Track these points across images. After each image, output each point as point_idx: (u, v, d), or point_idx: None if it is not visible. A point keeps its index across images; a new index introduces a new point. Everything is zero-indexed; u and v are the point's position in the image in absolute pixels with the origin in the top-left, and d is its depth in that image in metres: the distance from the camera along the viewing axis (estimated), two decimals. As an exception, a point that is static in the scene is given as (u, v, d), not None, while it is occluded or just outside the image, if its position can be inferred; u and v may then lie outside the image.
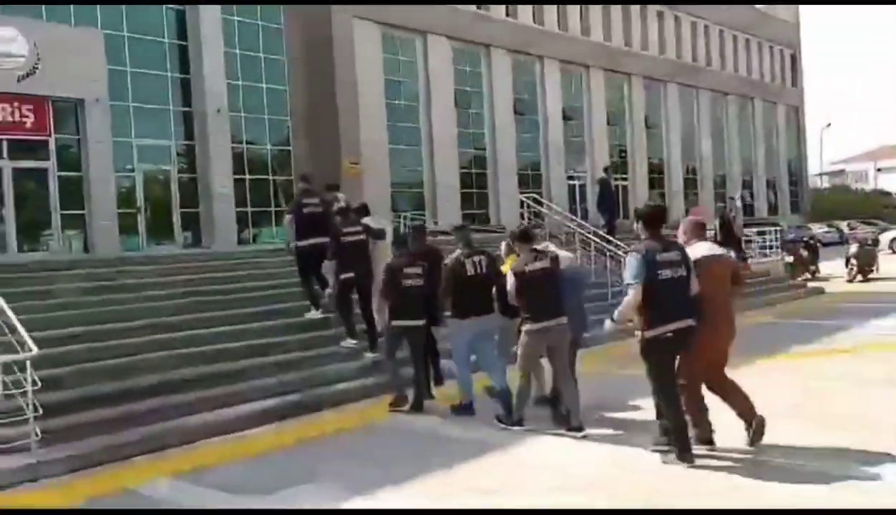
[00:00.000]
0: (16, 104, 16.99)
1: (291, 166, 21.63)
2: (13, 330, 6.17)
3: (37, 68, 16.96)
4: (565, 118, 31.50)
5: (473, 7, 27.68)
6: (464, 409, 7.74)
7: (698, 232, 6.24)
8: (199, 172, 20.10)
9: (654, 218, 5.91)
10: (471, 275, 7.47)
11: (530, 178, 29.75)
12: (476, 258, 7.57)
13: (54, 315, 8.44)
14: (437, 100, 26.16)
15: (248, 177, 21.01)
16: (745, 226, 25.30)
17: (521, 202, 19.29)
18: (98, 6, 18.29)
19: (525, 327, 6.87)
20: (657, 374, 5.83)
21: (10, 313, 6.12)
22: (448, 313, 7.64)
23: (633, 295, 5.62)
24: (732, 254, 17.10)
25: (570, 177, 31.63)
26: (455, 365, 7.91)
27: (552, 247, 7.76)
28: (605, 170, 20.83)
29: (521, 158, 29.60)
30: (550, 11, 30.70)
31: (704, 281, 5.78)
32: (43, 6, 17.48)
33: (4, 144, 17.04)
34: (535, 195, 19.34)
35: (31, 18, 17.09)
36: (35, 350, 5.90)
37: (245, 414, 7.51)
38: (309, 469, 6.25)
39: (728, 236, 17.49)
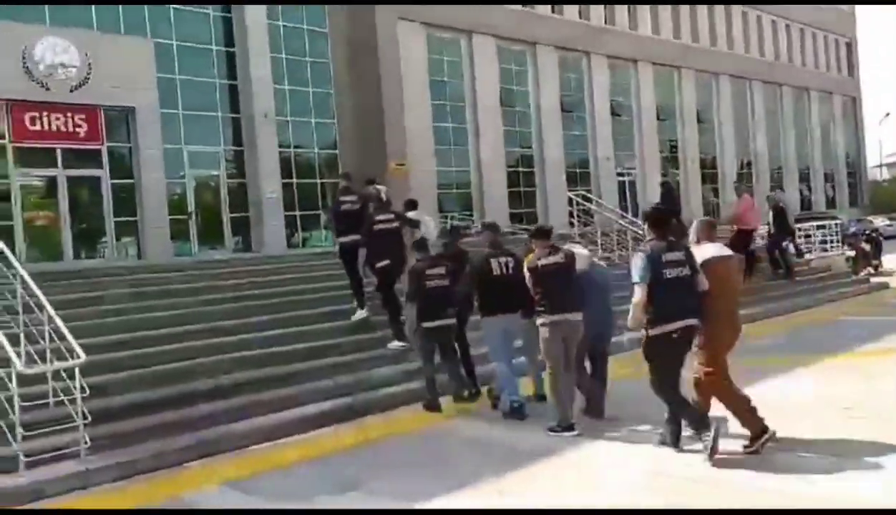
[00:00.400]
0: (69, 114, 17.32)
1: (339, 169, 21.64)
2: (62, 337, 6.18)
3: (88, 78, 17.28)
4: (613, 114, 31.01)
5: (519, 5, 27.40)
6: (514, 412, 7.64)
7: (708, 232, 6.38)
8: (247, 177, 20.26)
9: (660, 220, 6.16)
10: (497, 275, 7.62)
11: (578, 176, 29.36)
12: (503, 259, 7.72)
13: (104, 321, 8.46)
14: (483, 99, 25.98)
15: (295, 180, 21.11)
16: (805, 220, 24.56)
17: (570, 200, 18.97)
18: (147, 16, 18.54)
19: (539, 321, 6.96)
20: (657, 371, 6.02)
21: (58, 321, 6.13)
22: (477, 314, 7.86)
23: (639, 295, 5.80)
24: (791, 246, 16.51)
25: (620, 174, 31.14)
26: (494, 363, 7.95)
27: (578, 248, 7.79)
28: (665, 174, 20.26)
29: (569, 156, 29.24)
30: (597, 7, 30.26)
31: (709, 280, 5.95)
32: (94, 17, 17.76)
33: (59, 153, 17.39)
34: (583, 192, 18.78)
35: (83, 29, 17.39)
36: (83, 357, 5.89)
37: (295, 418, 7.43)
38: (358, 477, 6.13)
39: (783, 226, 16.82)
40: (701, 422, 5.90)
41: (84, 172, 17.99)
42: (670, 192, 17.72)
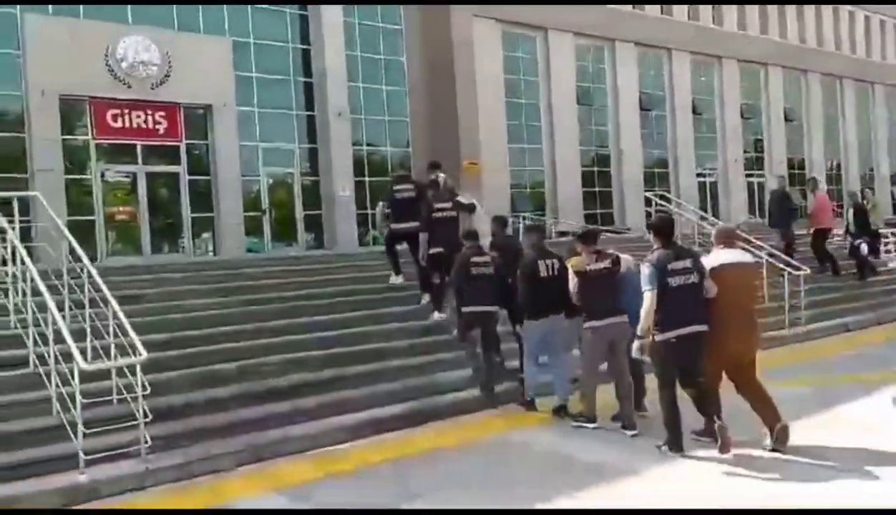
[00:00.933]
0: (149, 111, 17.69)
1: (411, 168, 21.53)
2: (126, 333, 6.13)
3: (168, 76, 17.61)
4: (695, 112, 30.01)
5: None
6: (528, 405, 8.06)
7: (723, 239, 6.46)
8: (321, 175, 20.35)
9: (665, 228, 6.35)
10: (543, 277, 7.71)
11: (656, 176, 28.54)
12: (549, 261, 7.83)
13: (169, 317, 8.39)
14: (559, 97, 25.49)
15: (368, 179, 21.08)
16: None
17: (648, 200, 18.27)
18: (226, 15, 18.78)
19: (586, 325, 7.09)
20: (660, 373, 6.27)
21: (122, 316, 6.07)
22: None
23: (648, 302, 5.99)
24: (864, 246, 15.56)
25: (700, 175, 30.13)
26: (526, 362, 8.15)
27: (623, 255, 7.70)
28: (781, 178, 19.13)
29: (647, 155, 28.44)
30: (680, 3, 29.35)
31: (718, 287, 6.08)
32: (175, 16, 18.08)
33: (139, 150, 17.77)
34: (662, 192, 17.99)
35: (164, 28, 17.72)
36: (144, 354, 5.82)
37: (353, 423, 7.22)
38: (419, 489, 5.89)
39: (863, 225, 15.88)
40: (673, 443, 6.23)
41: (163, 168, 18.37)
42: (784, 200, 16.51)
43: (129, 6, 17.41)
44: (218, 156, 18.33)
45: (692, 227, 15.33)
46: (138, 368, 5.83)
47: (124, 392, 5.99)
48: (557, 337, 7.81)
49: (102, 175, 17.40)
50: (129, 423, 5.84)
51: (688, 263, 6.10)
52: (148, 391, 5.80)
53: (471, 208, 10.36)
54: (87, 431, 5.55)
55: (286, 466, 6.51)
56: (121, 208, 17.85)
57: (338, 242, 19.60)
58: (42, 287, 5.98)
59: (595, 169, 27.12)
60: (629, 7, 27.76)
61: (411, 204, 9.99)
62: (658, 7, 28.90)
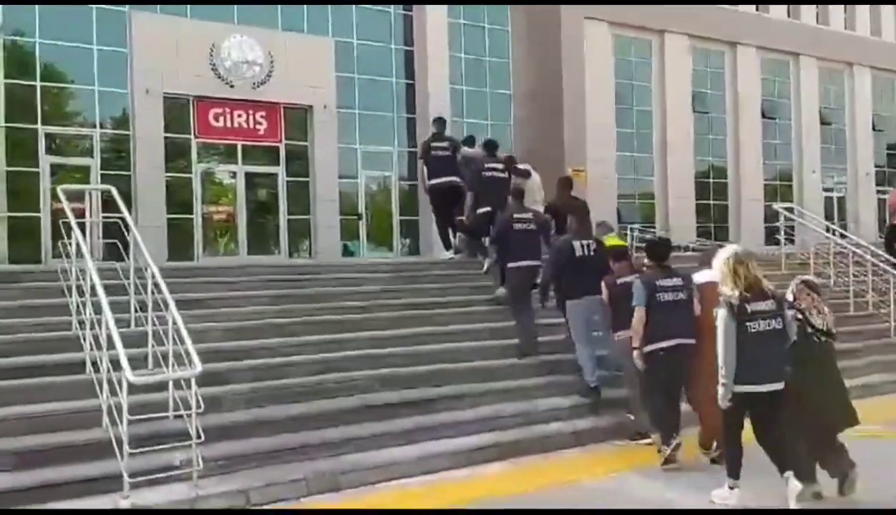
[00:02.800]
0: (251, 111, 17.54)
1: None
2: (183, 341, 5.54)
3: (271, 76, 17.43)
4: (823, 122, 27.85)
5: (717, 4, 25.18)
6: (588, 392, 7.72)
7: (707, 260, 6.47)
8: (419, 180, 19.72)
9: (657, 251, 6.86)
10: (580, 256, 7.87)
11: (778, 190, 26.60)
12: (585, 241, 8.00)
13: (239, 324, 7.65)
14: (673, 103, 24.07)
15: (468, 184, 20.34)
16: None
17: (769, 213, 16.64)
18: (330, 15, 18.48)
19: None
20: (646, 381, 6.65)
21: (180, 323, 5.48)
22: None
23: (637, 317, 6.45)
24: None
25: (827, 189, 27.93)
26: (577, 344, 7.98)
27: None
28: None
29: (768, 168, 26.56)
30: (809, 6, 27.33)
31: (701, 304, 6.42)
32: (279, 15, 17.90)
33: (239, 150, 17.65)
34: (790, 207, 15.99)
35: (268, 28, 17.56)
36: (199, 367, 5.17)
37: (433, 453, 6.35)
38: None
39: None
40: (665, 438, 6.39)
41: (262, 169, 18.19)
42: None
43: (235, 6, 17.31)
44: (317, 158, 18.00)
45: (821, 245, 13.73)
46: (193, 382, 5.20)
47: (181, 406, 5.39)
48: (600, 317, 7.77)
49: (202, 174, 17.34)
50: (182, 443, 5.21)
51: (678, 282, 6.52)
52: (202, 408, 5.15)
53: (526, 174, 10.33)
54: (134, 450, 4.96)
55: (352, 500, 5.70)
56: (219, 208, 17.77)
57: (433, 249, 18.92)
58: (98, 285, 5.46)
59: (710, 180, 25.49)
60: (752, 8, 26.03)
61: (447, 160, 10.36)
62: (784, 9, 27.01)
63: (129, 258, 6.44)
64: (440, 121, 10.98)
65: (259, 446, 5.85)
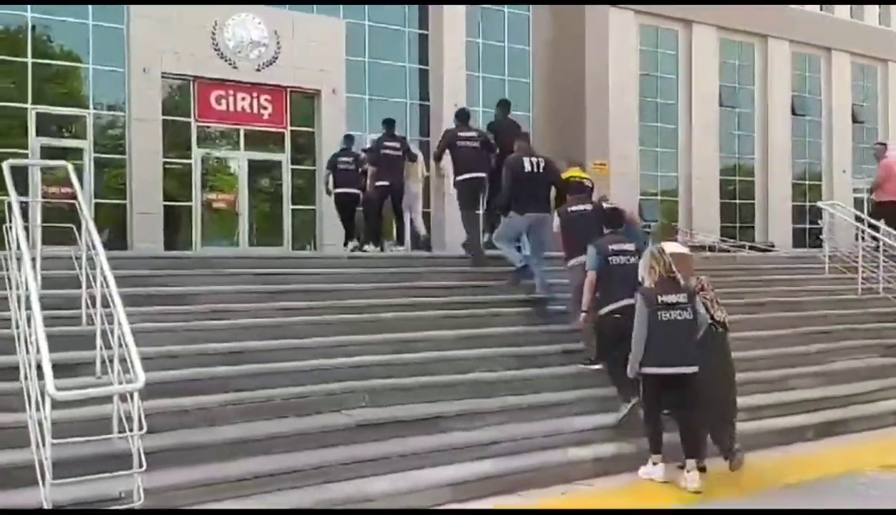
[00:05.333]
0: (255, 94, 16.64)
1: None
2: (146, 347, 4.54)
3: (277, 58, 16.52)
4: (854, 120, 26.60)
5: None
6: (519, 272, 8.31)
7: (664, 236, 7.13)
8: (430, 169, 18.70)
9: (612, 219, 7.03)
10: (528, 172, 8.10)
11: (807, 189, 25.42)
12: (534, 159, 8.25)
13: (217, 324, 6.51)
14: (699, 97, 22.99)
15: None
16: None
17: (796, 213, 15.42)
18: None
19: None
20: (600, 341, 6.69)
21: (125, 324, 4.49)
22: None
23: (588, 280, 6.64)
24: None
25: (857, 189, 26.66)
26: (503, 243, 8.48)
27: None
28: None
29: (797, 165, 25.37)
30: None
31: None
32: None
33: (242, 134, 16.75)
34: (835, 202, 14.27)
35: (274, 7, 16.63)
36: (141, 379, 4.16)
37: (422, 485, 5.29)
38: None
39: None
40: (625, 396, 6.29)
41: (266, 156, 17.28)
42: None
43: (240, -19, 16.38)
44: (323, 146, 16.98)
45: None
46: (136, 396, 4.21)
47: (126, 427, 4.40)
48: (543, 233, 8.13)
49: (202, 160, 16.43)
50: (124, 471, 4.22)
51: (630, 247, 6.70)
52: (143, 429, 4.16)
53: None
54: (60, 480, 4.00)
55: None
56: (219, 196, 16.87)
57: (447, 243, 17.93)
58: (29, 277, 4.49)
59: (736, 178, 24.36)
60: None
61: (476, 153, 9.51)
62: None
63: (81, 243, 5.47)
64: (464, 113, 9.80)
65: (221, 473, 4.84)
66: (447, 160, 9.56)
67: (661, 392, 5.73)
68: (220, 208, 16.82)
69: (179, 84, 16.01)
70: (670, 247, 6.74)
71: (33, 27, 14.87)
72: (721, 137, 23.65)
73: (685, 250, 7.18)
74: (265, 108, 16.78)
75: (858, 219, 11.39)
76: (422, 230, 11.13)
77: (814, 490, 5.80)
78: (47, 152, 14.95)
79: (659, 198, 22.90)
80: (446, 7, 18.47)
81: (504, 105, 10.59)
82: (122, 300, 5.19)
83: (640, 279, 5.97)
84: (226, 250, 14.57)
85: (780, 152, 24.62)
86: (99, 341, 5.17)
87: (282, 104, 16.94)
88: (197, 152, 16.21)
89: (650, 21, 22.43)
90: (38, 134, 14.78)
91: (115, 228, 15.30)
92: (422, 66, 18.78)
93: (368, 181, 10.67)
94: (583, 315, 6.72)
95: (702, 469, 5.81)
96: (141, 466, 4.15)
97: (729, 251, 18.87)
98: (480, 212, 9.49)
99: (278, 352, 6.23)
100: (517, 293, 8.45)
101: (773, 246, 22.12)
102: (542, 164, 8.18)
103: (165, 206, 15.64)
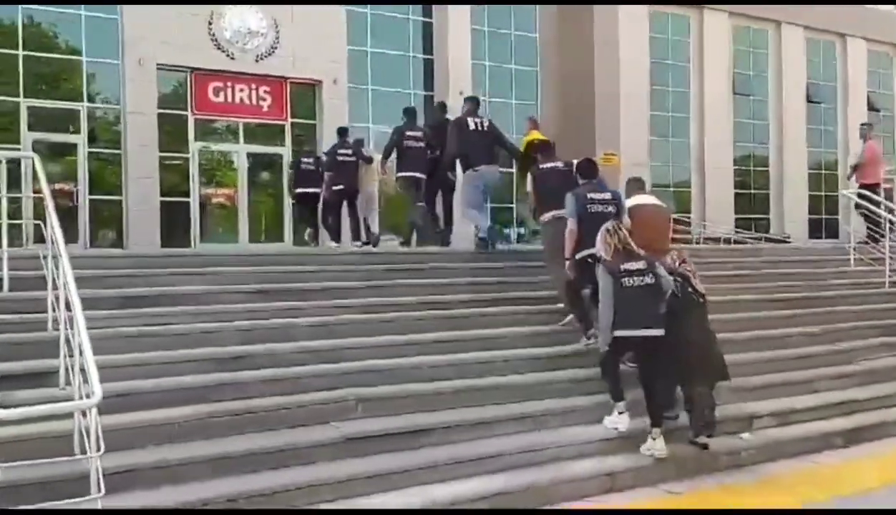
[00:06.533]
0: (254, 86, 16.17)
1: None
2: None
3: (276, 48, 16.04)
4: (871, 108, 25.89)
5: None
6: (482, 242, 9.02)
7: (636, 188, 7.37)
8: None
9: (586, 168, 7.07)
10: (472, 130, 8.75)
11: (823, 180, 24.77)
12: (478, 118, 8.91)
13: (213, 327, 5.92)
14: (712, 86, 22.36)
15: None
16: None
17: (812, 205, 14.72)
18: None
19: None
20: (571, 284, 6.79)
21: (82, 331, 3.99)
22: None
23: (569, 228, 6.71)
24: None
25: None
26: (465, 209, 9.16)
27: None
28: None
29: (813, 156, 24.72)
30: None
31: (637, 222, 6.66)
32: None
33: (241, 127, 16.29)
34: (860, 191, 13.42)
35: (273, -7, 16.13)
36: (98, 393, 3.66)
37: (425, 501, 4.79)
38: None
39: None
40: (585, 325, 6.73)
41: (265, 149, 16.81)
42: None
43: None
44: (324, 138, 16.48)
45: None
46: (93, 413, 3.72)
47: (86, 443, 3.90)
48: (489, 186, 9.09)
49: (200, 154, 15.97)
50: (76, 500, 3.72)
51: (607, 196, 6.81)
52: (101, 450, 3.67)
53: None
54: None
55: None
56: (218, 191, 16.42)
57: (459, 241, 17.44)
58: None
59: (750, 168, 23.74)
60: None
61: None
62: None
63: (50, 242, 4.99)
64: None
65: (196, 496, 4.36)
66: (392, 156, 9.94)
67: (624, 353, 5.99)
68: (220, 203, 16.37)
69: (176, 76, 15.53)
70: (644, 199, 7.21)
71: (25, 19, 14.42)
72: (735, 127, 23.05)
73: (660, 202, 7.42)
74: (264, 100, 16.33)
75: (889, 210, 10.72)
76: (375, 228, 11.50)
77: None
78: (40, 147, 14.53)
79: (671, 189, 22.31)
80: (451, -4, 17.95)
81: (442, 107, 11.10)
82: (100, 302, 4.72)
83: (597, 254, 6.16)
84: (220, 247, 14.08)
85: (795, 141, 23.99)
86: (63, 349, 4.68)
87: (282, 95, 16.47)
88: (194, 146, 15.76)
89: (660, 7, 21.82)
90: (30, 129, 14.36)
91: (110, 225, 14.89)
92: (426, 56, 18.26)
93: (325, 185, 11.34)
94: (567, 263, 6.75)
95: (704, 447, 5.90)
96: (99, 490, 3.67)
97: (746, 243, 18.31)
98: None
99: (263, 357, 5.72)
100: (526, 291, 7.92)
101: (788, 237, 21.54)
102: (485, 123, 8.88)
103: (162, 202, 15.18)
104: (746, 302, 8.55)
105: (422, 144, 9.46)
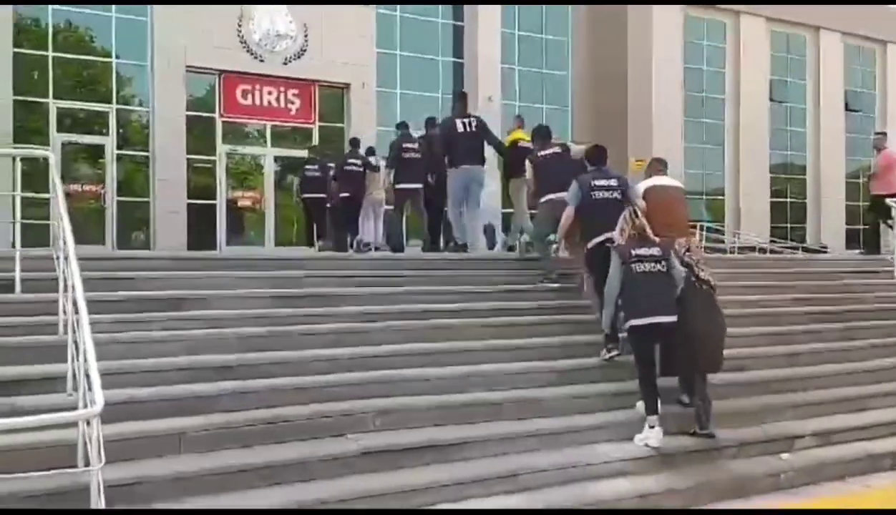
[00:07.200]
0: (282, 88, 16.09)
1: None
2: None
3: (305, 50, 15.94)
4: (911, 116, 25.18)
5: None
6: (457, 247, 9.16)
7: (655, 168, 7.38)
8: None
9: (595, 155, 7.03)
10: (461, 132, 8.90)
11: (861, 188, 24.10)
12: (467, 119, 9.02)
13: (219, 332, 5.70)
14: (748, 91, 21.90)
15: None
16: None
17: (849, 214, 14.17)
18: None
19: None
20: (591, 272, 6.77)
21: (88, 340, 3.82)
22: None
23: (566, 214, 6.83)
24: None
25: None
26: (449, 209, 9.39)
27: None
28: None
29: (851, 164, 24.09)
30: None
31: (651, 204, 6.61)
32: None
33: (269, 130, 16.20)
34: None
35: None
36: (99, 402, 3.46)
37: None
38: None
39: None
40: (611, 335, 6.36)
41: (293, 152, 16.63)
42: None
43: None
44: (352, 141, 16.36)
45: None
46: (95, 423, 3.51)
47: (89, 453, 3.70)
48: (474, 186, 9.09)
49: (227, 156, 15.90)
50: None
51: (612, 182, 6.73)
52: (102, 462, 3.47)
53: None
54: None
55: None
56: (245, 194, 16.34)
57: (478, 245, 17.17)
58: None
59: (788, 175, 23.19)
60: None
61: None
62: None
63: (59, 243, 4.83)
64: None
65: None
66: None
67: (649, 344, 5.78)
68: (246, 207, 16.28)
69: (205, 78, 15.48)
70: (661, 180, 7.12)
71: (55, 21, 14.45)
72: (771, 134, 22.53)
73: (678, 183, 7.41)
74: (292, 103, 16.23)
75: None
76: (378, 235, 11.99)
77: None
78: (69, 149, 14.57)
79: (704, 197, 21.86)
80: (481, -3, 17.73)
81: (431, 122, 11.10)
82: (114, 305, 4.51)
83: (613, 239, 6.17)
84: (244, 250, 13.98)
85: (833, 149, 23.39)
86: (71, 353, 4.50)
87: (309, 98, 16.36)
88: (222, 148, 15.69)
89: (695, 12, 21.41)
90: (59, 130, 14.36)
91: (138, 227, 14.87)
92: (456, 59, 18.04)
93: (333, 192, 11.65)
94: (554, 246, 7.20)
95: (710, 436, 5.79)
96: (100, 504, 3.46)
97: (782, 253, 17.82)
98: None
99: (276, 366, 5.49)
100: (552, 299, 7.63)
101: (825, 247, 20.96)
102: (474, 124, 9.02)
103: (190, 205, 15.12)
104: (787, 315, 8.17)
105: (418, 155, 9.66)
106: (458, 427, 5.41)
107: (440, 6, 17.88)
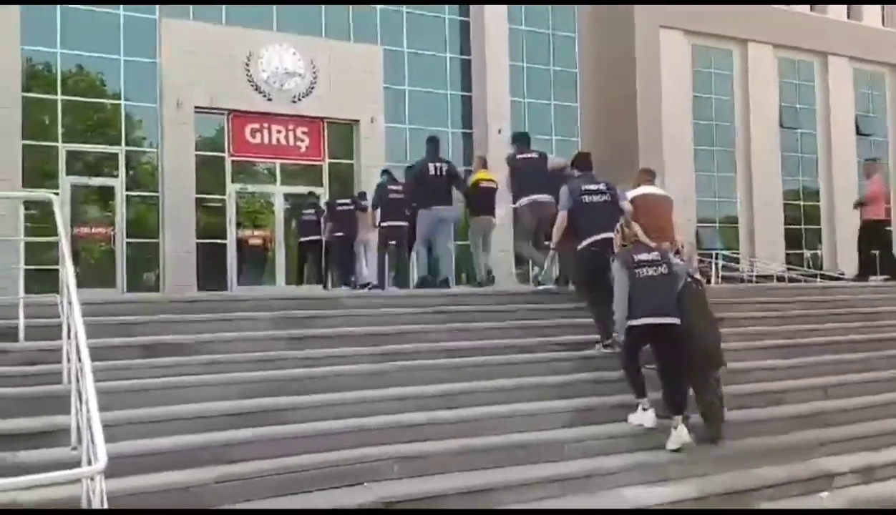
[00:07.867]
0: (291, 126, 16.03)
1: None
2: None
3: (313, 88, 15.92)
4: (923, 140, 25.01)
5: (806, 7, 22.85)
6: (422, 281, 9.57)
7: (644, 178, 7.44)
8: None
9: (582, 161, 7.46)
10: (432, 175, 9.17)
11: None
12: (438, 164, 9.27)
13: (236, 376, 5.49)
14: (758, 118, 21.82)
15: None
16: None
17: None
18: (378, 20, 16.91)
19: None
20: (578, 274, 7.20)
21: (91, 391, 3.60)
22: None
23: (559, 219, 7.08)
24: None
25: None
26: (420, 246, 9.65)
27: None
28: None
29: (865, 188, 23.78)
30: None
31: (640, 210, 6.79)
32: (322, 21, 16.42)
33: (278, 168, 16.13)
34: None
35: (310, 35, 16.08)
36: (102, 460, 3.24)
37: None
38: None
39: None
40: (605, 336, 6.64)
41: (302, 189, 16.54)
42: None
43: (274, 6, 15.82)
44: (361, 178, 16.26)
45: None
46: (100, 481, 3.30)
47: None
48: (446, 233, 9.63)
49: (237, 195, 15.82)
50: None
51: (602, 186, 6.92)
52: (105, 523, 3.25)
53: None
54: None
55: None
56: (255, 232, 16.21)
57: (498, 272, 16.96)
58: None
59: (800, 202, 22.97)
60: (843, 15, 23.58)
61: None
62: (878, 17, 24.47)
63: (65, 288, 4.65)
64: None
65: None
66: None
67: (641, 344, 5.89)
68: (256, 245, 16.15)
69: (213, 118, 15.45)
70: (647, 189, 7.25)
71: (64, 65, 14.48)
72: (783, 160, 22.38)
73: (665, 193, 7.53)
74: (302, 141, 16.17)
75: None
76: (368, 270, 12.19)
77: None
78: (78, 191, 14.51)
79: (717, 225, 21.65)
80: (488, 29, 17.71)
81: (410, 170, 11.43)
82: (120, 351, 4.29)
83: (604, 242, 6.37)
84: (255, 291, 13.79)
85: (845, 174, 23.18)
86: (74, 403, 4.30)
87: (319, 135, 16.30)
88: (231, 188, 15.61)
89: (702, 41, 21.42)
90: (68, 172, 14.32)
91: (148, 268, 14.76)
92: (464, 93, 18.01)
93: (328, 232, 12.35)
94: (546, 243, 7.47)
95: (713, 440, 5.82)
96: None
97: (800, 281, 17.52)
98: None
99: (286, 412, 5.25)
100: (568, 334, 7.37)
101: (843, 274, 20.64)
102: (444, 168, 9.35)
103: (199, 244, 15.00)
104: (816, 345, 7.88)
105: (402, 196, 10.16)
106: (481, 472, 5.15)
107: (447, 40, 17.88)
